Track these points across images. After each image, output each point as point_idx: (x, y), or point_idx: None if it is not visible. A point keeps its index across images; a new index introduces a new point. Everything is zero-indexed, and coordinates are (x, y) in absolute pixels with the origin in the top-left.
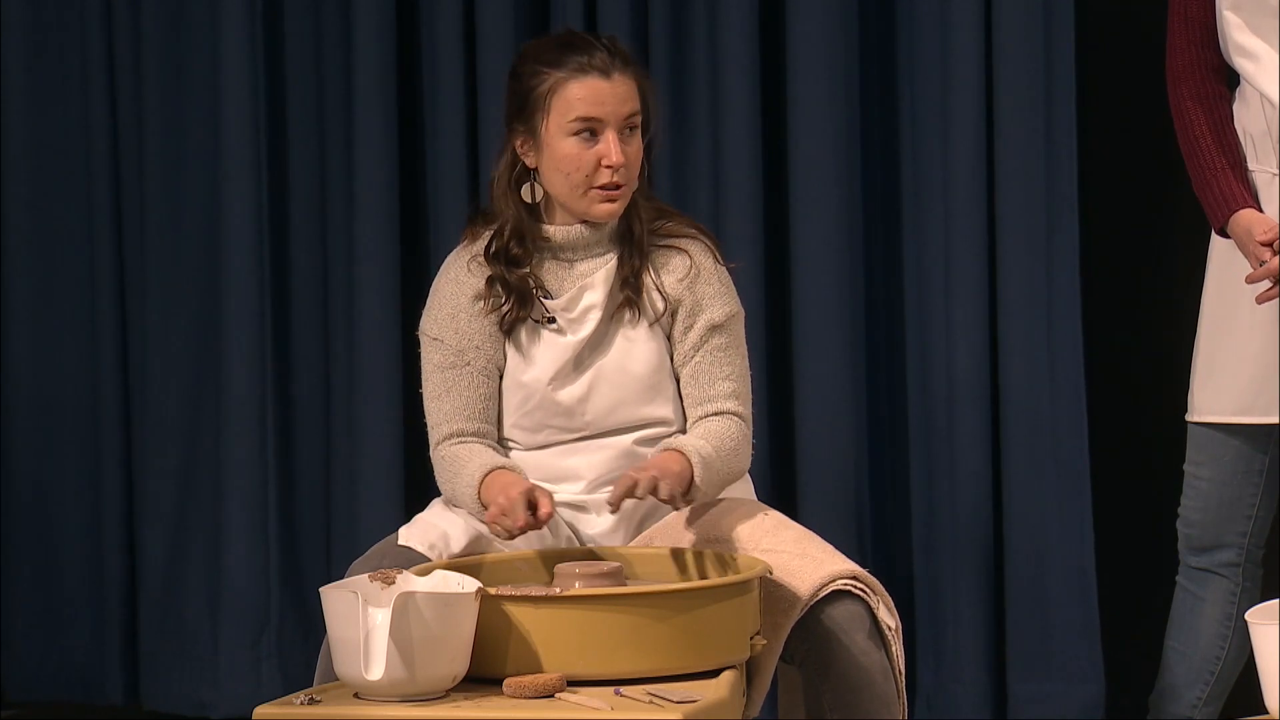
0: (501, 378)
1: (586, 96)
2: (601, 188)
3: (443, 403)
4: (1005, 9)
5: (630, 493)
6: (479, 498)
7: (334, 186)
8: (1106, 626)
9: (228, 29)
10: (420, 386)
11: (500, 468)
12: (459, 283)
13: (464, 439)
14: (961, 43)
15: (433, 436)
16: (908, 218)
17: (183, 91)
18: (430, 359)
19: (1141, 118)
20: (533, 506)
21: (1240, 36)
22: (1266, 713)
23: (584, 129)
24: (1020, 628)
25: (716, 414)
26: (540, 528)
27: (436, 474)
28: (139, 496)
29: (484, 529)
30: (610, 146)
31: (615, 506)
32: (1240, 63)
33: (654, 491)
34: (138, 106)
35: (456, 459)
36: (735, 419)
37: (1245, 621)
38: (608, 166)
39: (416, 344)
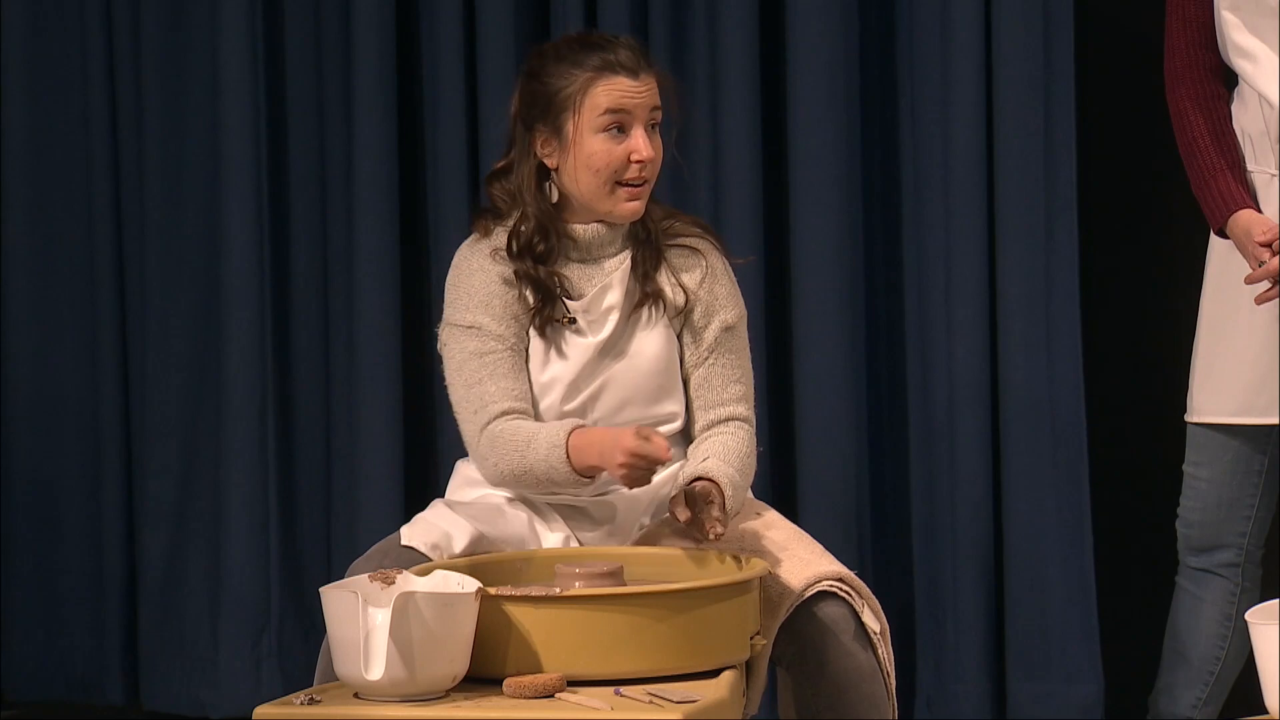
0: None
1: (614, 93)
2: (627, 184)
3: (486, 386)
4: (1005, 9)
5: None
6: (569, 460)
7: (334, 186)
8: (1106, 626)
9: (228, 29)
10: (445, 383)
11: (579, 427)
12: (485, 270)
13: (515, 416)
14: (961, 42)
15: (477, 420)
16: (908, 217)
17: (183, 91)
18: (464, 348)
19: (1141, 118)
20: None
21: (1239, 37)
22: (1266, 713)
23: (613, 124)
24: (1020, 628)
25: (727, 419)
26: (667, 458)
27: (489, 455)
28: (139, 496)
29: (486, 529)
30: (639, 141)
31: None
32: (1239, 63)
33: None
34: (138, 106)
35: (519, 430)
36: (744, 426)
37: (1245, 621)
38: (637, 161)
39: (417, 343)
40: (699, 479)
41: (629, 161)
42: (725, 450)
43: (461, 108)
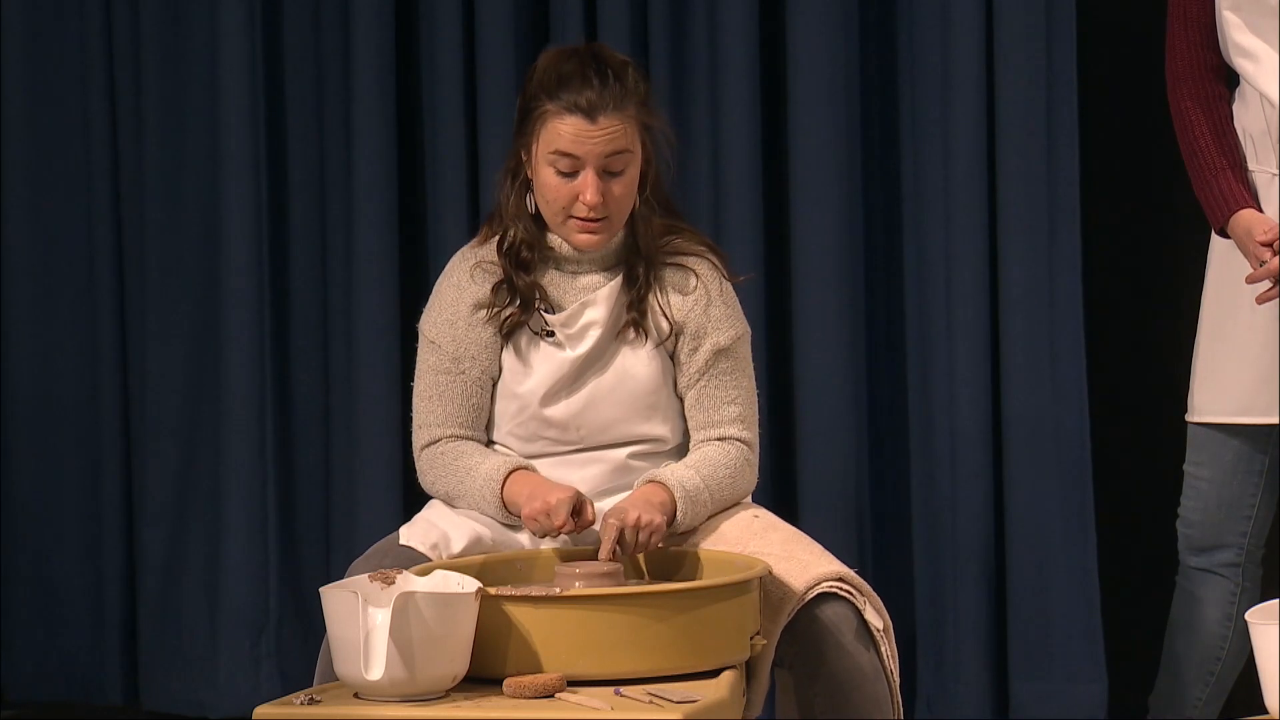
0: (495, 384)
1: (566, 134)
2: (579, 219)
3: (434, 405)
4: (1006, 9)
5: (617, 543)
6: (501, 494)
7: (334, 186)
8: (1108, 626)
9: (227, 28)
10: (412, 379)
11: (523, 468)
12: (460, 289)
13: (454, 440)
14: (962, 43)
15: (420, 436)
16: (908, 218)
17: (183, 91)
18: (425, 359)
19: (1142, 118)
20: (576, 511)
21: (1240, 37)
22: (1266, 713)
23: (562, 164)
24: (1021, 628)
25: (719, 439)
26: (579, 532)
27: (427, 471)
28: (139, 496)
29: (485, 531)
30: (586, 185)
31: (609, 558)
32: (1240, 63)
33: (638, 535)
34: (138, 106)
35: (462, 455)
36: (737, 444)
37: (1245, 621)
38: (583, 203)
39: (416, 344)
40: (648, 482)
41: (577, 200)
42: (701, 459)
43: (461, 108)
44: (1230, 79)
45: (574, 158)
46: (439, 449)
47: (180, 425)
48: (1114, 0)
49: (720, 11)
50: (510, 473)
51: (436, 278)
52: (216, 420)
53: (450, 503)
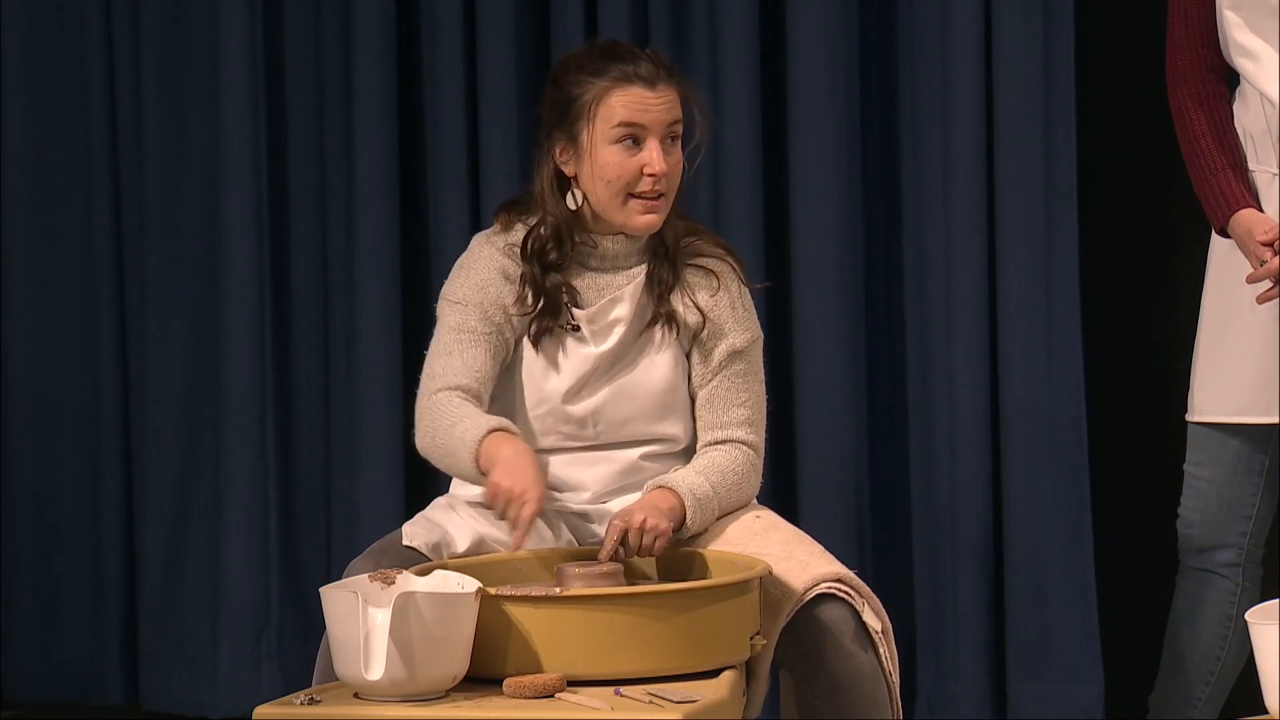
0: (508, 366)
1: (630, 104)
2: (642, 197)
3: (451, 359)
4: (1005, 9)
5: (620, 544)
6: (476, 457)
7: (334, 187)
8: (1106, 626)
9: (227, 29)
10: (413, 376)
11: (500, 430)
12: (490, 259)
13: (458, 393)
14: (961, 42)
15: (427, 388)
16: (908, 218)
17: (183, 91)
18: (447, 321)
19: (1141, 117)
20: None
21: (1240, 36)
22: (1266, 713)
23: (627, 136)
24: (1020, 628)
25: (726, 441)
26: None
27: (421, 420)
28: (139, 496)
29: (486, 531)
30: (653, 154)
31: (609, 558)
32: (1240, 63)
33: (642, 538)
34: (138, 106)
35: (452, 406)
36: (744, 448)
37: (1245, 621)
38: (650, 175)
39: (417, 344)
40: (657, 488)
41: (641, 174)
42: (709, 465)
43: (462, 109)
44: (1230, 79)
45: (639, 126)
46: (436, 398)
47: (180, 425)
48: (1113, 0)
49: (720, 12)
50: (488, 434)
51: (438, 278)
52: (216, 420)
53: (431, 455)
